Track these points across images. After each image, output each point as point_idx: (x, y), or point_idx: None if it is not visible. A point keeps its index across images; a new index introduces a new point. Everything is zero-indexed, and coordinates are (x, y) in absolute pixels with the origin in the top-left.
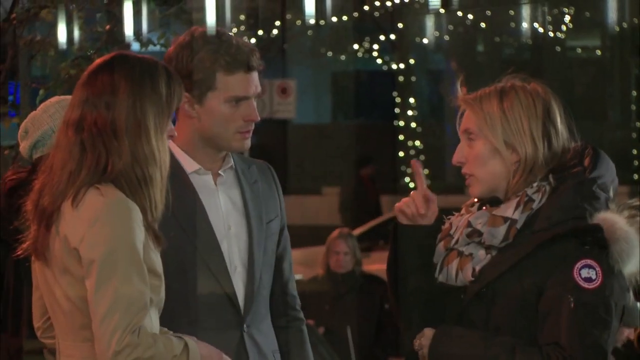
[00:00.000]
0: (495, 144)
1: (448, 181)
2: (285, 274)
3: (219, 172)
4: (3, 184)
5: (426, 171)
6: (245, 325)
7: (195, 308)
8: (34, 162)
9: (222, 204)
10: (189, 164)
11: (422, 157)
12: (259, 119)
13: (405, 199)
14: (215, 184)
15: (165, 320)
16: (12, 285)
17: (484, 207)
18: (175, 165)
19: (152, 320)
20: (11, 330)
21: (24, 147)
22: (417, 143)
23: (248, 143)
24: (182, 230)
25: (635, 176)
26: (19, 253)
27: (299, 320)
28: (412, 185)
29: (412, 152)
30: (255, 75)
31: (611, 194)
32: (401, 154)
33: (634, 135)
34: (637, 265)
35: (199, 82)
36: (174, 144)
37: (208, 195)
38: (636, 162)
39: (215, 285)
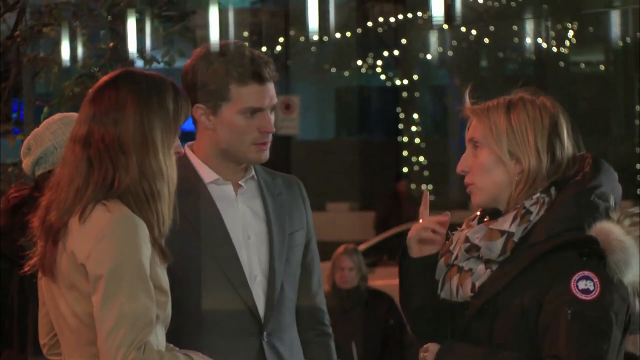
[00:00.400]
0: (499, 154)
1: (452, 197)
2: (313, 288)
3: (240, 182)
4: (6, 202)
5: (430, 187)
6: (265, 334)
7: (214, 316)
8: (37, 178)
9: (242, 214)
10: (207, 175)
11: (425, 173)
12: (274, 130)
13: (418, 230)
14: (236, 194)
15: (184, 328)
16: (17, 302)
17: (485, 219)
18: (193, 175)
19: (158, 337)
20: (17, 347)
21: (26, 164)
22: (421, 159)
23: (266, 155)
24: (200, 239)
25: (639, 191)
26: (26, 270)
27: (326, 335)
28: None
29: (416, 167)
30: (269, 86)
31: (612, 202)
32: (405, 169)
33: (638, 150)
34: (636, 274)
35: (213, 93)
36: (193, 155)
37: (227, 205)
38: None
39: (234, 294)
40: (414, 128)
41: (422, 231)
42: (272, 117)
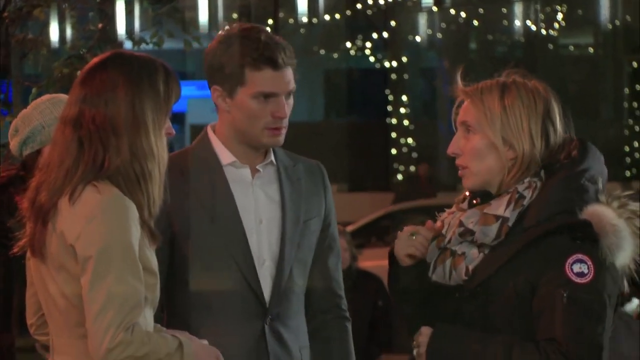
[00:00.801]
0: (492, 140)
1: (440, 179)
2: (329, 272)
3: (257, 167)
4: None
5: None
6: (268, 319)
7: (219, 297)
8: (25, 158)
9: (256, 198)
10: (225, 157)
11: (414, 155)
12: (287, 115)
13: (403, 247)
14: (253, 178)
15: (190, 307)
16: (2, 282)
17: (474, 201)
18: (212, 157)
19: (147, 318)
20: (2, 327)
21: (14, 144)
22: (410, 141)
23: (280, 139)
24: (211, 220)
25: (628, 173)
26: (15, 251)
27: (344, 318)
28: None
29: (404, 149)
30: (285, 72)
31: (600, 185)
32: (394, 151)
33: (627, 132)
34: (628, 256)
35: (229, 76)
36: (214, 136)
37: (242, 188)
38: (628, 160)
39: (239, 277)
40: (402, 110)
41: (408, 248)
42: (290, 102)
